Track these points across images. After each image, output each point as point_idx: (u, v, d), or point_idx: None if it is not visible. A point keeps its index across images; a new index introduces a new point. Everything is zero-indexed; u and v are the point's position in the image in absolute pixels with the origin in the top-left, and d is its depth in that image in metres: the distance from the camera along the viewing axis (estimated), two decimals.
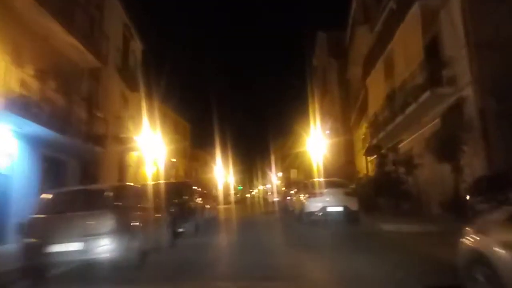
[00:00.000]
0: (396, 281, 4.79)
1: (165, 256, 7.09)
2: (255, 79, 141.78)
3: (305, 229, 11.23)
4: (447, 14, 11.13)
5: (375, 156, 18.48)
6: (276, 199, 32.82)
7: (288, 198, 19.86)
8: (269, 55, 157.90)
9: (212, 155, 44.82)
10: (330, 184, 12.65)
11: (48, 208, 5.77)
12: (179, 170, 35.92)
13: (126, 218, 5.90)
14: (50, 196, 6.00)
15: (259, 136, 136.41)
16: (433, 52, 11.47)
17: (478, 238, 3.32)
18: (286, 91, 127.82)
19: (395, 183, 13.51)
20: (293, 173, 39.81)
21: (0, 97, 7.73)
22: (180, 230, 9.94)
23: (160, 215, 7.85)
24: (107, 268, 5.52)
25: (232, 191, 49.81)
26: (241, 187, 71.38)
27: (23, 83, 8.45)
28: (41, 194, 6.29)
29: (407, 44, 12.70)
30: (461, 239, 3.66)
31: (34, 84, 8.85)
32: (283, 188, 38.81)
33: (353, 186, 14.55)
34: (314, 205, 11.61)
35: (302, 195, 12.97)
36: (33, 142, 9.65)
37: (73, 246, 5.32)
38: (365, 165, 23.02)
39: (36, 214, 5.73)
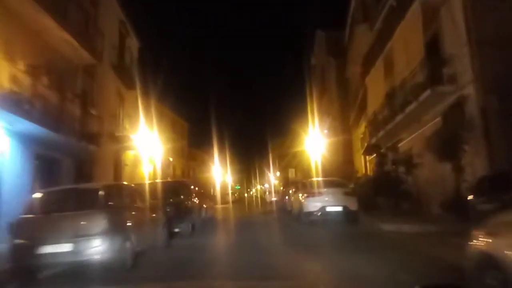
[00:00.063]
0: (397, 282, 4.63)
1: (159, 257, 6.89)
2: (253, 78, 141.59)
3: (304, 229, 11.05)
4: (448, 11, 10.98)
5: (374, 155, 18.33)
6: (274, 198, 32.66)
7: (286, 198, 19.68)
8: (268, 54, 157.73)
9: (210, 154, 44.63)
10: (329, 184, 12.47)
11: (38, 208, 5.56)
12: (177, 170, 35.72)
13: (119, 218, 5.70)
14: (40, 195, 5.79)
15: (257, 136, 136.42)
16: (433, 50, 11.31)
17: (488, 241, 3.15)
18: (285, 90, 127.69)
19: (394, 183, 13.36)
20: (291, 173, 39.67)
21: None
22: (176, 230, 9.75)
23: (155, 215, 7.65)
24: (99, 269, 5.31)
25: (229, 191, 49.53)
26: (239, 187, 71.15)
27: (14, 79, 8.22)
28: (33, 193, 6.07)
29: (407, 42, 12.54)
30: (469, 242, 3.48)
31: (25, 80, 8.62)
32: (281, 188, 38.65)
33: (352, 185, 14.40)
34: (313, 204, 11.43)
35: (301, 194, 12.77)
36: (25, 140, 9.42)
37: (63, 247, 5.11)
38: (364, 164, 22.90)
39: (26, 214, 5.52)
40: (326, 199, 11.46)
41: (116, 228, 5.45)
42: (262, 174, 59.60)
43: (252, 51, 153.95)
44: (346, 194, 11.73)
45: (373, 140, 16.87)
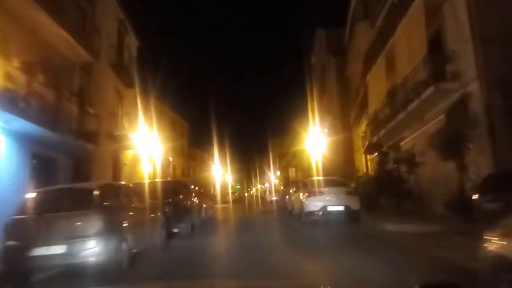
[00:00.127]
0: (401, 283, 4.46)
1: (157, 258, 6.72)
2: (253, 77, 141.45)
3: (305, 229, 10.87)
4: (451, 7, 10.79)
5: (376, 154, 18.16)
6: (274, 198, 32.49)
7: (287, 197, 19.50)
8: (268, 53, 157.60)
9: (210, 153, 44.48)
10: (330, 183, 12.27)
11: (31, 208, 5.38)
12: (177, 169, 35.55)
13: (114, 219, 5.52)
14: (34, 195, 5.61)
15: (258, 135, 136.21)
16: (436, 47, 11.13)
17: (503, 243, 2.98)
18: (285, 89, 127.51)
19: (396, 182, 13.19)
20: (292, 172, 39.49)
21: None
22: (175, 230, 9.59)
23: (153, 215, 7.47)
24: (94, 272, 5.13)
25: (230, 190, 49.39)
26: (239, 186, 71.02)
27: (9, 76, 8.03)
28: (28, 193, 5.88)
29: (409, 39, 12.34)
30: (482, 244, 3.31)
31: (21, 77, 8.43)
32: (282, 187, 38.47)
33: (353, 185, 14.22)
34: (314, 204, 11.24)
35: (302, 194, 12.59)
36: (21, 139, 9.24)
37: (57, 249, 4.93)
38: (365, 163, 22.73)
39: (19, 214, 5.34)
40: (328, 198, 11.27)
41: (111, 229, 5.28)
42: (262, 174, 59.51)
43: (252, 50, 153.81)
44: (348, 193, 11.54)
45: (374, 139, 16.67)
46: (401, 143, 15.07)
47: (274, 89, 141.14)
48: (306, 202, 11.61)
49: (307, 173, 27.90)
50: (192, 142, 44.74)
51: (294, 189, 16.71)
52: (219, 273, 5.62)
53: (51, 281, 5.52)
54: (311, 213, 11.32)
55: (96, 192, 5.41)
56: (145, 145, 17.59)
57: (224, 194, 42.36)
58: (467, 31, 10.02)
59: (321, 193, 11.45)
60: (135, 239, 5.88)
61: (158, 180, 11.84)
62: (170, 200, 9.72)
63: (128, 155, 18.33)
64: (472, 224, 8.23)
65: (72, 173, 11.81)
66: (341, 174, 18.15)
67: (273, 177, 50.95)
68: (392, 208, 13.03)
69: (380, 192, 13.85)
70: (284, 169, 52.72)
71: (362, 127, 21.29)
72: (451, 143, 9.59)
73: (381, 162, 14.77)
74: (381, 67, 15.52)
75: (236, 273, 5.46)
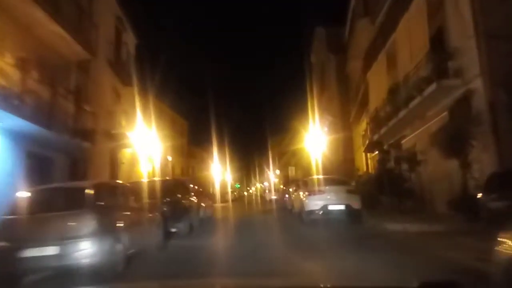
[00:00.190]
0: (402, 282, 4.27)
1: (153, 260, 6.54)
2: (253, 75, 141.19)
3: (305, 228, 10.70)
4: (454, 2, 10.61)
5: (376, 152, 17.98)
6: (274, 197, 32.34)
7: (287, 196, 19.32)
8: (267, 51, 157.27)
9: (209, 152, 44.27)
10: (331, 182, 12.09)
11: (23, 208, 5.19)
12: (176, 168, 35.35)
13: (109, 219, 5.33)
14: (25, 194, 5.42)
15: (257, 134, 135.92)
16: (438, 43, 10.96)
17: None
18: (284, 88, 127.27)
19: (398, 181, 13.01)
20: (291, 171, 39.31)
21: None
22: (173, 230, 9.39)
23: (150, 215, 7.28)
24: (88, 274, 4.94)
25: (229, 189, 49.20)
26: (239, 185, 70.85)
27: (2, 73, 7.84)
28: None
29: (411, 35, 12.18)
30: (496, 246, 3.12)
31: (14, 74, 8.23)
32: (281, 186, 38.31)
33: (353, 183, 14.05)
34: (315, 203, 11.05)
35: (302, 193, 12.40)
36: (16, 137, 9.04)
37: (48, 251, 4.74)
38: (365, 162, 22.56)
39: (9, 214, 5.15)
40: (328, 197, 11.08)
41: (106, 229, 5.09)
42: (262, 172, 59.35)
43: (252, 47, 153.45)
44: (349, 192, 11.35)
45: (375, 137, 16.50)
46: (402, 141, 14.90)
47: (274, 88, 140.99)
48: (307, 201, 11.42)
49: (307, 172, 27.73)
50: (191, 141, 44.63)
51: (294, 188, 16.53)
52: (218, 274, 5.46)
53: (43, 283, 5.34)
54: (311, 212, 11.14)
55: (89, 191, 5.22)
56: (144, 144, 17.38)
57: (223, 193, 42.17)
58: (470, 26, 9.84)
59: (321, 191, 11.26)
60: (130, 240, 5.69)
61: (155, 179, 11.64)
62: (168, 199, 9.53)
63: (126, 153, 18.13)
64: (477, 223, 8.08)
65: (69, 172, 11.62)
66: (341, 173, 18.01)
67: (272, 176, 50.75)
68: (394, 207, 12.85)
69: (381, 191, 13.68)
70: (283, 168, 52.56)
71: (363, 126, 21.12)
72: (454, 140, 9.41)
73: (382, 161, 14.58)
74: (382, 64, 15.36)
75: (236, 274, 5.31)
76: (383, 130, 15.11)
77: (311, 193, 11.48)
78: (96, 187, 5.44)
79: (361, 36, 19.15)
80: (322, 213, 10.95)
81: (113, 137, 15.32)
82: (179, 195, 10.38)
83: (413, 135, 13.85)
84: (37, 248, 4.74)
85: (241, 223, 14.50)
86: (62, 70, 11.33)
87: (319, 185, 11.70)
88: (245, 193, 69.76)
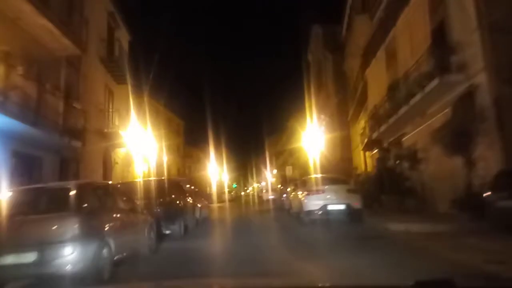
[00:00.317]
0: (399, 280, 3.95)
1: (144, 264, 6.14)
2: (249, 74, 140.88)
3: (304, 229, 10.33)
4: None
5: (375, 151, 17.67)
6: (271, 197, 31.97)
7: (284, 196, 18.96)
8: (264, 49, 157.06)
9: (206, 152, 43.91)
10: (330, 181, 11.72)
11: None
12: (172, 168, 34.91)
13: (94, 222, 4.93)
14: (3, 196, 5.00)
15: (254, 133, 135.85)
16: (440, 37, 10.63)
17: None
18: (281, 86, 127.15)
19: (398, 179, 12.70)
20: (289, 170, 38.93)
21: None
22: (167, 232, 9.00)
23: (141, 217, 6.88)
24: (70, 283, 4.53)
25: (226, 189, 48.79)
26: (236, 185, 70.44)
27: None
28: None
29: (411, 30, 11.86)
30: None
31: None
32: (279, 186, 37.96)
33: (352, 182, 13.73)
34: (314, 203, 10.69)
35: (301, 192, 12.03)
36: (0, 136, 8.59)
37: (26, 257, 4.33)
38: (363, 161, 22.25)
39: None
40: (328, 197, 10.72)
41: (90, 234, 4.69)
42: (259, 172, 58.97)
43: (248, 46, 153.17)
44: (349, 191, 11.00)
45: (374, 135, 16.18)
46: (403, 139, 14.58)
47: (271, 87, 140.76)
48: (305, 201, 11.06)
49: (304, 171, 27.44)
50: (188, 141, 44.24)
51: (292, 187, 16.17)
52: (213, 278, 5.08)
53: None
54: (310, 212, 10.78)
55: (73, 193, 4.81)
56: (138, 144, 16.94)
57: (220, 193, 41.80)
58: (473, 19, 9.52)
59: (321, 191, 10.90)
60: (119, 244, 5.29)
61: (148, 179, 11.20)
62: (161, 200, 9.13)
63: (120, 153, 17.70)
64: (484, 223, 7.75)
65: (59, 173, 11.17)
66: (339, 172, 17.68)
67: (269, 176, 50.38)
68: (394, 207, 12.54)
69: (381, 190, 13.36)
70: (281, 167, 52.22)
71: (361, 124, 20.81)
72: (458, 137, 9.10)
73: (382, 159, 14.27)
74: (381, 60, 15.03)
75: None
76: (382, 128, 14.79)
77: (310, 192, 11.12)
78: (80, 187, 5.03)
79: (359, 33, 18.83)
80: (321, 213, 10.59)
81: (105, 136, 14.88)
82: (173, 196, 9.96)
83: (413, 132, 13.53)
84: (14, 255, 4.34)
85: (238, 224, 14.12)
86: (50, 66, 10.88)
87: (318, 184, 11.33)
88: (242, 193, 69.41)
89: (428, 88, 10.42)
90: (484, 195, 7.68)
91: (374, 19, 15.80)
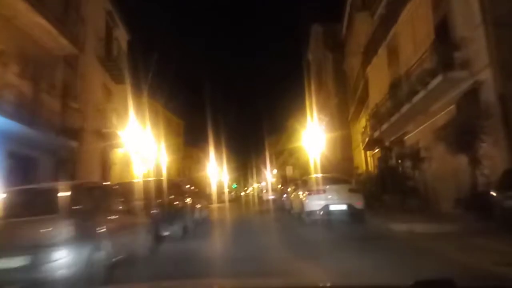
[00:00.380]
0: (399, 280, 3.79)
1: (140, 267, 5.95)
2: (249, 74, 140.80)
3: (306, 230, 10.13)
4: None
5: (377, 150, 17.49)
6: (271, 197, 31.78)
7: (285, 196, 18.76)
8: (264, 49, 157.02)
9: (206, 152, 43.72)
10: (332, 180, 11.52)
11: None
12: (172, 169, 34.71)
13: (88, 224, 4.74)
14: None
15: (254, 133, 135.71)
16: (443, 34, 10.44)
17: None
18: (281, 86, 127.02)
19: (400, 179, 12.51)
20: (289, 170, 38.72)
21: None
22: (165, 233, 8.80)
23: (138, 219, 6.69)
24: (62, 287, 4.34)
25: (226, 190, 48.57)
26: (236, 185, 70.20)
27: None
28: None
29: (414, 26, 11.66)
30: None
31: None
32: (279, 186, 37.77)
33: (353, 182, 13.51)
34: (315, 203, 10.50)
35: (301, 192, 11.83)
36: None
37: (16, 262, 4.13)
38: (364, 160, 22.07)
39: None
40: (330, 197, 10.53)
41: (84, 236, 4.50)
42: (259, 172, 58.75)
43: (248, 46, 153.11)
44: (351, 191, 10.80)
45: (376, 134, 15.98)
46: (405, 138, 14.38)
47: (271, 86, 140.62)
48: (307, 201, 10.86)
49: (305, 171, 27.25)
50: (188, 141, 44.06)
51: (293, 187, 15.97)
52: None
53: None
54: (312, 212, 10.59)
55: (66, 194, 4.63)
56: (137, 144, 16.74)
57: (220, 193, 41.62)
58: (477, 15, 9.34)
59: (322, 191, 10.70)
60: (114, 247, 5.10)
61: (146, 179, 11.00)
62: (159, 201, 8.94)
63: (118, 154, 17.50)
64: (490, 223, 7.56)
65: (55, 173, 10.97)
66: (339, 172, 17.49)
67: (269, 176, 50.18)
68: (397, 206, 12.35)
69: (383, 190, 13.17)
70: (281, 167, 52.02)
71: (362, 123, 20.62)
72: (462, 135, 8.90)
73: (384, 158, 14.07)
74: (382, 58, 14.83)
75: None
76: (384, 127, 14.59)
77: (311, 192, 10.92)
78: (73, 188, 4.84)
79: (360, 31, 18.65)
80: (323, 214, 10.39)
81: (103, 137, 14.68)
82: (172, 196, 9.76)
83: (416, 131, 13.34)
84: (4, 259, 4.15)
85: (238, 224, 13.93)
86: (47, 65, 10.69)
87: (319, 184, 11.13)
88: (242, 193, 69.21)
89: (431, 86, 10.23)
90: (491, 194, 7.48)
91: (375, 16, 15.61)
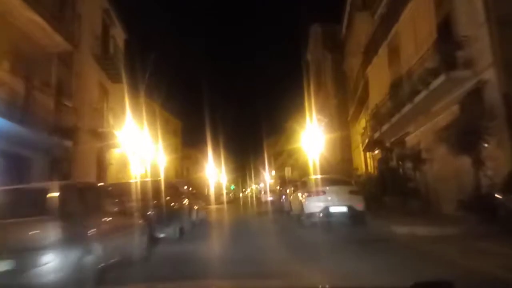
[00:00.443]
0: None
1: (133, 271, 5.71)
2: (248, 75, 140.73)
3: (305, 232, 9.91)
4: None
5: (377, 151, 17.31)
6: (270, 198, 31.59)
7: (283, 197, 18.54)
8: (262, 49, 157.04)
9: (204, 153, 43.50)
10: (332, 182, 11.30)
11: None
12: (170, 169, 34.45)
13: (77, 227, 4.51)
14: None
15: (252, 135, 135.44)
16: (446, 32, 10.26)
17: None
18: (280, 87, 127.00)
19: (401, 180, 12.31)
20: (288, 171, 38.52)
21: None
22: (161, 235, 8.57)
23: (132, 220, 6.46)
24: None
25: (224, 191, 48.34)
26: (234, 187, 70.01)
27: None
28: None
29: (415, 25, 11.48)
30: None
31: None
32: (278, 187, 37.59)
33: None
34: (315, 205, 10.28)
35: (301, 194, 11.61)
36: None
37: (1, 266, 3.90)
38: (364, 161, 21.90)
39: None
40: (330, 198, 10.32)
41: (73, 239, 4.28)
42: (257, 174, 58.60)
43: (247, 46, 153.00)
44: (352, 193, 10.60)
45: (376, 135, 15.80)
46: (406, 139, 14.19)
47: (269, 87, 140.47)
48: (306, 202, 10.65)
49: (304, 172, 27.08)
50: (186, 142, 43.84)
51: (292, 188, 15.75)
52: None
53: None
54: (311, 214, 10.38)
55: (54, 194, 4.39)
56: (134, 144, 16.48)
57: (218, 194, 41.41)
58: (481, 13, 9.16)
59: (322, 192, 10.49)
60: (106, 250, 4.87)
61: (142, 180, 10.75)
62: (155, 202, 8.70)
63: (115, 154, 17.24)
64: (494, 226, 7.36)
65: (49, 173, 10.72)
66: (339, 173, 17.32)
67: (268, 177, 49.98)
68: (398, 208, 12.14)
69: (383, 191, 12.96)
70: (279, 168, 51.85)
71: (361, 124, 20.44)
72: (465, 136, 8.70)
73: (384, 160, 13.88)
74: (383, 58, 14.66)
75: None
76: (384, 128, 14.40)
77: (311, 194, 10.71)
78: (63, 189, 4.61)
79: (360, 31, 18.48)
80: (323, 216, 10.18)
81: (99, 136, 14.43)
82: (169, 198, 9.53)
83: (417, 132, 13.15)
84: None
85: (236, 226, 13.70)
86: (40, 62, 10.44)
87: (319, 185, 10.92)
88: (241, 194, 69.02)
89: (433, 85, 10.04)
90: (495, 196, 7.28)
91: (375, 15, 15.44)
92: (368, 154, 20.32)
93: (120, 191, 7.59)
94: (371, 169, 19.75)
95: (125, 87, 16.59)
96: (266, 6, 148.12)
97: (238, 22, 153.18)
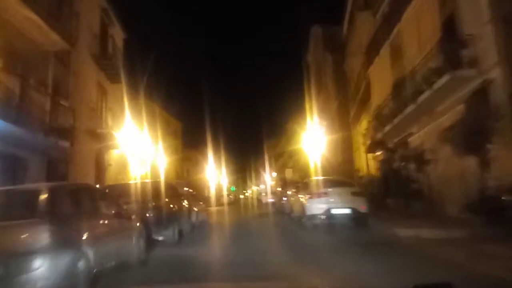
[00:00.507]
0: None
1: (129, 276, 5.51)
2: (249, 76, 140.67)
3: (307, 235, 9.71)
4: None
5: (379, 152, 17.09)
6: (270, 200, 31.40)
7: (284, 199, 18.33)
8: (264, 50, 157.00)
9: (204, 155, 43.31)
10: (334, 183, 11.09)
11: None
12: (170, 171, 34.25)
13: (69, 230, 4.30)
14: None
15: (253, 136, 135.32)
16: (450, 31, 10.07)
17: None
18: (281, 88, 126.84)
19: (404, 182, 12.09)
20: (288, 173, 38.34)
21: None
22: (160, 238, 8.35)
23: (128, 223, 6.25)
24: None
25: (225, 192, 48.13)
26: (234, 188, 69.78)
27: None
28: None
29: (419, 24, 11.29)
30: None
31: None
32: (279, 189, 37.36)
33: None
34: (317, 207, 10.08)
35: (302, 195, 11.40)
36: None
37: None
38: (365, 163, 21.67)
39: None
40: (332, 200, 10.11)
41: (64, 244, 4.06)
42: (258, 175, 58.42)
43: (248, 47, 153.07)
44: (354, 194, 10.39)
45: (378, 136, 15.59)
46: (409, 140, 13.98)
47: (270, 88, 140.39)
48: (308, 204, 10.44)
49: (305, 173, 26.88)
50: (186, 143, 43.61)
51: (293, 190, 15.53)
52: None
53: None
54: (313, 216, 10.17)
55: (44, 196, 4.19)
56: (133, 145, 16.28)
57: (218, 196, 41.19)
58: (485, 11, 8.99)
59: (324, 194, 10.29)
60: (99, 254, 4.65)
61: (140, 181, 10.54)
62: (153, 204, 8.49)
63: (114, 155, 17.05)
64: (501, 228, 7.16)
65: (46, 175, 10.52)
66: (340, 174, 17.12)
67: (269, 179, 49.76)
68: (401, 210, 11.94)
69: (386, 193, 12.75)
70: (280, 170, 51.65)
71: (363, 125, 20.24)
72: (471, 136, 8.50)
73: (387, 161, 13.65)
74: (385, 58, 14.46)
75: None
76: (387, 128, 14.20)
77: (312, 196, 10.50)
78: (53, 190, 4.40)
79: (361, 31, 18.29)
80: (325, 218, 9.97)
81: (98, 137, 14.23)
82: (167, 199, 9.31)
83: (420, 132, 12.94)
84: None
85: (236, 228, 13.49)
86: (36, 61, 10.25)
87: (321, 187, 10.71)
88: (241, 196, 68.81)
89: (437, 85, 9.85)
90: (502, 198, 7.08)
91: (377, 15, 15.26)
92: (369, 155, 20.11)
93: (118, 192, 7.39)
94: (373, 170, 19.53)
95: (124, 88, 16.41)
96: (266, 6, 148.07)
97: (238, 22, 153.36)
